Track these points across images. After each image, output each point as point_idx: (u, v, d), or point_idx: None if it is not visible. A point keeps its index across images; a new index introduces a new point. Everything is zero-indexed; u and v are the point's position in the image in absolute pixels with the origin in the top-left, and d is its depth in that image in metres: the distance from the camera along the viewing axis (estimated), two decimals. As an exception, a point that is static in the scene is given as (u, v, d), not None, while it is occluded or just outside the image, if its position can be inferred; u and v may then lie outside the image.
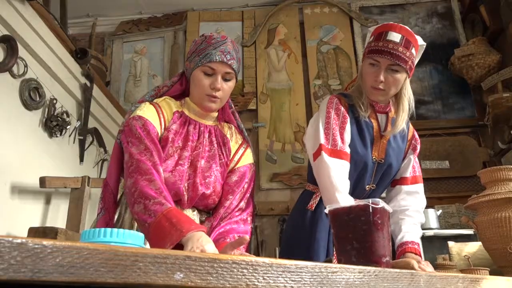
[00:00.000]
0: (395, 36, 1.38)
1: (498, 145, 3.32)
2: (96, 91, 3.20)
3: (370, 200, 0.88)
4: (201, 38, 1.36)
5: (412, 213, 1.46)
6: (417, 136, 1.60)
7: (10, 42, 2.29)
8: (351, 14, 4.10)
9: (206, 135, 1.36)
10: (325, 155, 1.38)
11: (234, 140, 1.42)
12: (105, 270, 0.40)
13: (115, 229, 0.66)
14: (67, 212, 2.51)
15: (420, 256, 1.38)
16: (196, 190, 1.27)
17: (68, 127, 2.78)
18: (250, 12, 4.27)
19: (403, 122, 1.47)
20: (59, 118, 2.69)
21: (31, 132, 2.51)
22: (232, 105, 1.47)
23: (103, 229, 0.66)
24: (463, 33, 3.89)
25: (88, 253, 0.40)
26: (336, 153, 1.39)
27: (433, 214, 3.04)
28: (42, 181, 2.42)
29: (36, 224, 2.47)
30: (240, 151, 1.42)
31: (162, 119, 1.31)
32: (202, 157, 1.32)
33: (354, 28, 4.07)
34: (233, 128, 1.46)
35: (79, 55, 2.99)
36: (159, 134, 1.28)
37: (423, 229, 2.93)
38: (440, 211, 3.13)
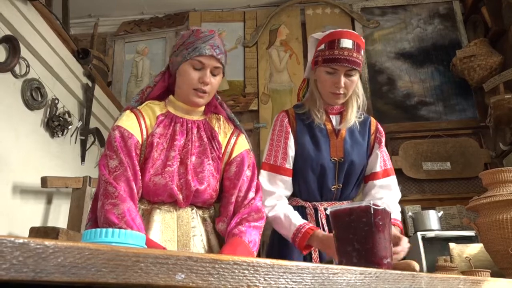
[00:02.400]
0: (348, 43, 1.44)
1: (500, 146, 3.32)
2: (98, 91, 3.21)
3: (371, 202, 0.88)
4: (188, 32, 1.34)
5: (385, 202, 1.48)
6: (381, 128, 1.63)
7: (12, 42, 2.30)
8: (353, 15, 4.10)
9: (195, 131, 1.35)
10: (262, 172, 1.51)
11: (223, 132, 1.40)
12: (107, 270, 0.40)
13: (116, 230, 0.66)
14: (68, 212, 2.51)
15: (402, 229, 1.44)
16: (190, 187, 1.26)
17: (69, 127, 2.78)
18: (251, 13, 4.27)
19: (352, 116, 1.54)
20: (60, 118, 2.69)
21: (32, 132, 2.51)
22: (219, 97, 1.46)
23: (104, 229, 0.66)
24: (465, 35, 3.88)
25: (90, 253, 0.40)
26: (274, 169, 1.51)
27: (434, 215, 3.04)
28: (44, 181, 2.43)
29: (37, 224, 2.47)
30: (232, 141, 1.39)
31: (144, 126, 1.30)
32: (193, 154, 1.31)
33: (356, 29, 4.06)
34: (222, 118, 1.43)
35: (81, 55, 3.00)
36: (140, 141, 1.28)
37: (424, 230, 2.96)
38: (441, 212, 3.12)
